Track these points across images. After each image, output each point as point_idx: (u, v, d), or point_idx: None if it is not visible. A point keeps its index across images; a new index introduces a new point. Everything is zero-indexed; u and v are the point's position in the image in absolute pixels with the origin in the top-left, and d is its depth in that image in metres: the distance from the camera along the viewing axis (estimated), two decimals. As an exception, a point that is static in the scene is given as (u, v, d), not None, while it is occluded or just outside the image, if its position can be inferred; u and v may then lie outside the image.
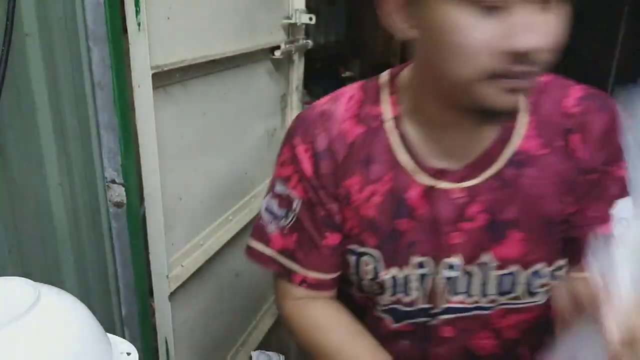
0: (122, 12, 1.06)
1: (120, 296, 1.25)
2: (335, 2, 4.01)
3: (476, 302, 0.92)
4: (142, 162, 1.17)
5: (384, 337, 0.96)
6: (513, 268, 0.88)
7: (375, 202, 0.87)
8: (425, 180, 0.85)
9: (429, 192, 0.85)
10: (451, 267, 0.89)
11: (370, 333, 0.96)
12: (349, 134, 0.87)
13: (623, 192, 0.72)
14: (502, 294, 0.91)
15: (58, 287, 0.71)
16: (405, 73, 0.87)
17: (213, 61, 1.36)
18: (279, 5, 1.74)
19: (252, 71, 1.64)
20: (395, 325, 0.97)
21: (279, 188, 0.94)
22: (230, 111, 1.53)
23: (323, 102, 0.92)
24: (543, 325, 0.93)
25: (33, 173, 1.01)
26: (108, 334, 0.71)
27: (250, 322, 1.89)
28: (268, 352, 1.86)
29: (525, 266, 0.88)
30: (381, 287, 0.93)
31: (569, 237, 0.87)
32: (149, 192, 1.20)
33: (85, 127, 1.10)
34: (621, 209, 0.70)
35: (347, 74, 4.31)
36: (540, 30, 0.66)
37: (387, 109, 0.87)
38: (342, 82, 4.23)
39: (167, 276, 1.28)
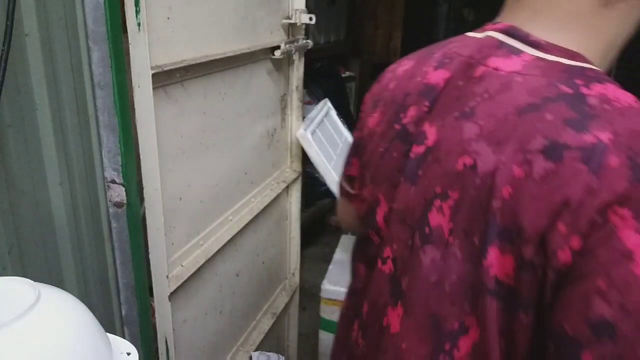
0: (122, 12, 1.06)
1: (120, 296, 1.25)
2: (335, 2, 4.01)
3: None
4: (142, 162, 1.17)
5: None
6: None
7: None
8: None
9: None
10: None
11: None
12: None
13: None
14: None
15: (58, 287, 0.71)
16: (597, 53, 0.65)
17: (213, 61, 1.36)
18: (279, 5, 1.74)
19: (252, 71, 1.64)
20: None
21: None
22: (230, 111, 1.53)
23: None
24: None
25: (33, 173, 1.01)
26: (108, 334, 0.71)
27: (250, 322, 1.89)
28: (268, 353, 1.86)
29: None
30: None
31: None
32: (149, 192, 1.20)
33: (85, 127, 1.10)
34: None
35: (347, 74, 4.31)
36: None
37: None
38: (342, 82, 4.24)
39: (167, 276, 1.28)
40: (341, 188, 0.95)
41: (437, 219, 0.63)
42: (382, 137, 0.76)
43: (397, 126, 0.73)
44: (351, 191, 0.90)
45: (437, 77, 0.71)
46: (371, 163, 0.78)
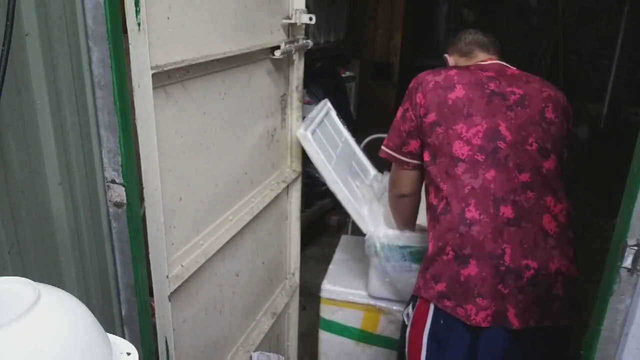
0: (122, 12, 1.06)
1: (120, 296, 1.25)
2: (335, 2, 4.01)
3: None
4: (142, 162, 1.17)
5: None
6: None
7: None
8: None
9: None
10: None
11: None
12: None
13: None
14: None
15: (58, 287, 0.71)
16: None
17: (213, 61, 1.36)
18: (279, 5, 1.74)
19: (252, 71, 1.64)
20: None
21: None
22: (230, 111, 1.53)
23: None
24: None
25: (33, 173, 1.01)
26: (108, 334, 0.71)
27: (250, 322, 1.89)
28: (268, 353, 1.86)
29: None
30: None
31: None
32: (149, 192, 1.20)
33: (85, 127, 1.10)
34: None
35: (347, 74, 4.30)
36: None
37: None
38: (342, 82, 4.24)
39: (167, 276, 1.28)
40: (405, 164, 1.58)
41: (548, 114, 1.47)
42: (479, 97, 1.45)
43: (487, 91, 1.47)
44: (414, 161, 1.56)
45: (488, 74, 1.51)
46: (478, 111, 1.43)
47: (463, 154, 1.41)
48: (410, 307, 1.51)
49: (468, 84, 1.47)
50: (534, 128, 1.44)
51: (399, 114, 1.57)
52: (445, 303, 1.38)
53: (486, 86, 1.47)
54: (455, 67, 1.59)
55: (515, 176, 1.40)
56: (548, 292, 1.39)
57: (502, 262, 1.34)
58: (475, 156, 1.41)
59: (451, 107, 1.45)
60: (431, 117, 1.47)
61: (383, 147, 1.63)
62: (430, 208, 1.50)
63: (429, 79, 1.51)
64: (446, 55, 1.71)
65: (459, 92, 1.46)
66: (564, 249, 1.41)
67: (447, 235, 1.39)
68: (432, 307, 1.41)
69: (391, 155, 1.60)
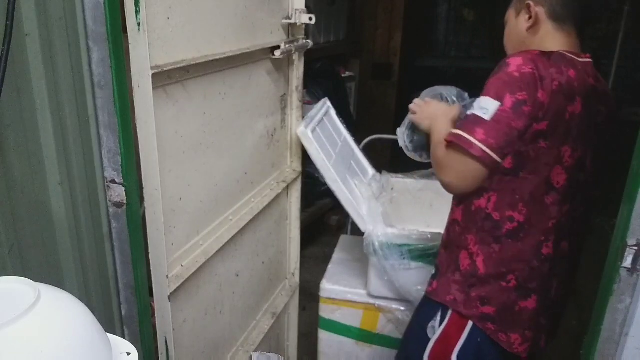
0: (122, 12, 1.06)
1: (120, 296, 1.25)
2: (335, 2, 4.01)
3: None
4: (142, 162, 1.17)
5: None
6: None
7: None
8: None
9: None
10: None
11: None
12: None
13: None
14: None
15: (58, 287, 0.71)
16: None
17: (213, 61, 1.36)
18: (279, 5, 1.74)
19: (252, 71, 1.64)
20: None
21: None
22: (230, 111, 1.53)
23: None
24: None
25: (33, 173, 1.01)
26: (108, 334, 0.71)
27: (250, 322, 1.89)
28: (268, 353, 1.86)
29: None
30: None
31: None
32: (149, 192, 1.20)
33: (85, 127, 1.10)
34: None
35: (347, 74, 4.30)
36: None
37: None
38: (342, 82, 4.23)
39: (167, 276, 1.28)
40: (495, 165, 1.22)
41: (602, 138, 1.32)
42: (587, 117, 1.23)
43: (593, 110, 1.25)
44: (500, 161, 1.22)
45: (591, 82, 1.26)
46: (581, 134, 1.23)
47: (559, 183, 1.23)
48: (437, 321, 1.39)
49: (585, 98, 1.21)
50: (600, 158, 1.33)
51: (507, 103, 1.16)
52: (488, 325, 1.31)
53: (593, 103, 1.25)
54: (570, 62, 1.23)
55: (577, 209, 1.31)
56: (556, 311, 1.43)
57: (549, 296, 1.34)
58: (567, 188, 1.25)
59: (567, 123, 1.19)
60: (542, 125, 1.17)
61: (476, 143, 1.18)
62: (483, 218, 1.28)
63: (553, 74, 1.17)
64: (530, 3, 1.28)
65: (577, 107, 1.20)
66: (571, 267, 1.41)
67: (513, 264, 1.28)
68: (470, 324, 1.32)
69: (488, 155, 1.19)
